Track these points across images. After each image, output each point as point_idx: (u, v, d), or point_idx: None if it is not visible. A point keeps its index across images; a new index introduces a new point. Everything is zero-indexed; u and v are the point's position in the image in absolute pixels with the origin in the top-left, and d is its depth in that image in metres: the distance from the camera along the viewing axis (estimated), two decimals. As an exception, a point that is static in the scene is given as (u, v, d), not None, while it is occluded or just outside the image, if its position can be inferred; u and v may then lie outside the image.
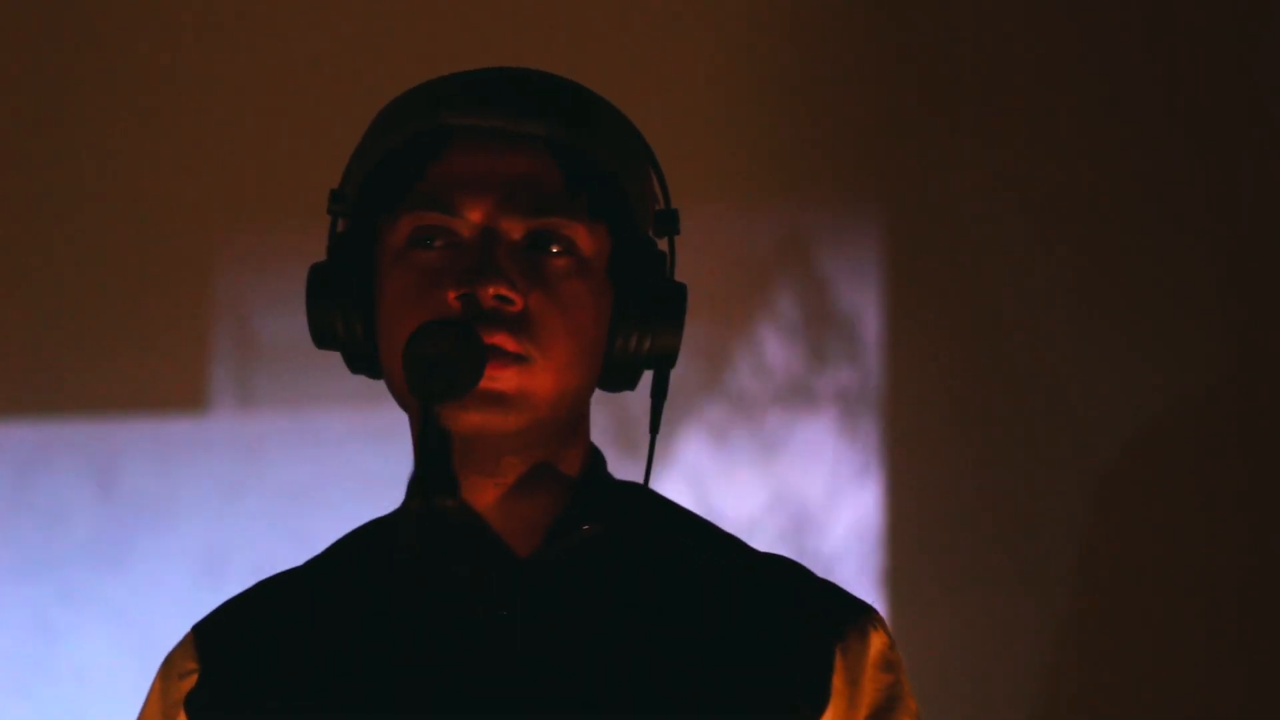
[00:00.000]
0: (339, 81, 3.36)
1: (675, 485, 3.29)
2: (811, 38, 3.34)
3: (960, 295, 3.31)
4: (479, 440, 1.86)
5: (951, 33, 3.33)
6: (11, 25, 3.46)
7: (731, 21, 3.35)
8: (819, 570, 1.98)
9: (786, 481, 3.30)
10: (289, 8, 3.43)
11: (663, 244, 1.97)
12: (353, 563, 1.98)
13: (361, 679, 1.88)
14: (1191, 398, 3.27)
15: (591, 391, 1.93)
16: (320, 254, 1.95)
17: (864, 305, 3.32)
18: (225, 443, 3.39)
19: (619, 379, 1.94)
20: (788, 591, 1.94)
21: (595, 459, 1.98)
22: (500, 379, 1.84)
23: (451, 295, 1.84)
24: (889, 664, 1.94)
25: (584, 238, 1.88)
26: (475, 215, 1.86)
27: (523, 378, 1.85)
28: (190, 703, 1.94)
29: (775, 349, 3.33)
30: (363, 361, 1.93)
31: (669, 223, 1.97)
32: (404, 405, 1.91)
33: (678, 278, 1.96)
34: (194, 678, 1.95)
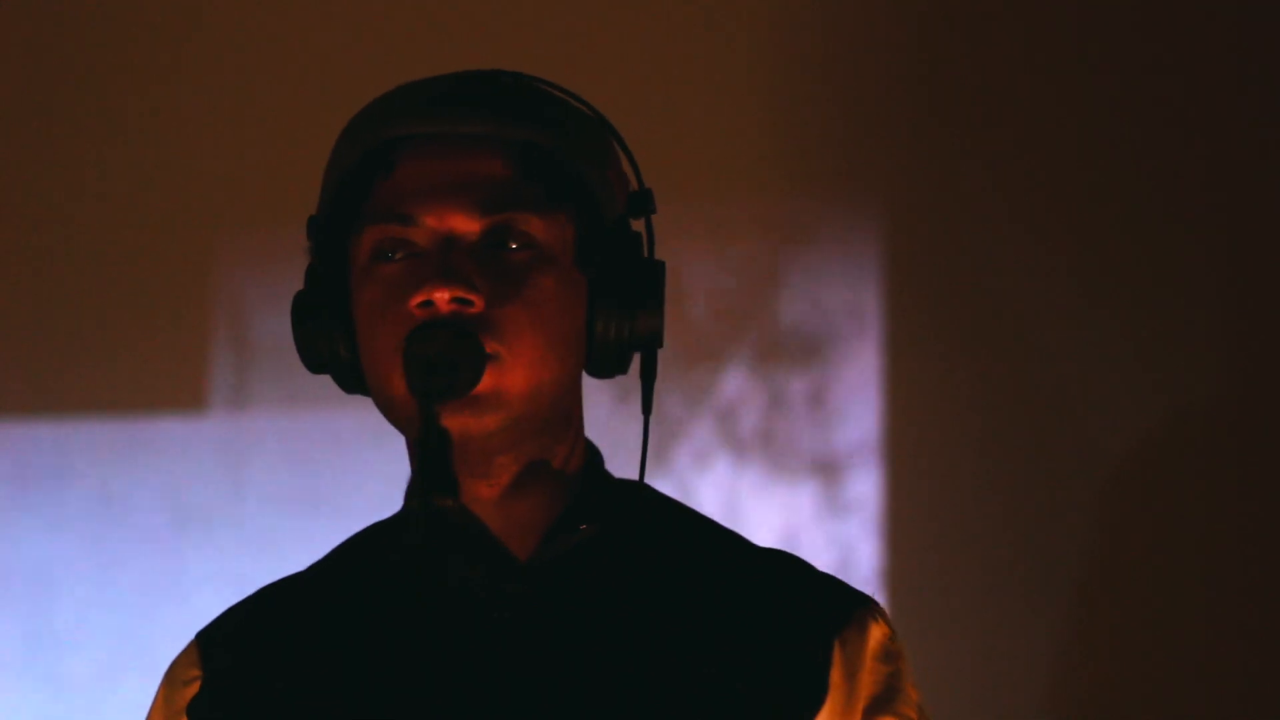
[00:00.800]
0: (339, 82, 3.36)
1: (675, 478, 3.29)
2: (811, 37, 3.34)
3: (961, 295, 3.30)
4: (464, 444, 1.85)
5: (952, 32, 3.32)
6: (12, 26, 3.46)
7: (731, 21, 3.35)
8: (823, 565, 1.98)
9: (786, 481, 3.30)
10: (289, 8, 3.43)
11: (638, 225, 1.96)
12: (354, 567, 1.98)
13: (363, 683, 1.88)
14: (1194, 399, 3.27)
15: (574, 381, 1.93)
16: (316, 254, 1.96)
17: (864, 305, 3.32)
18: (224, 443, 3.39)
19: (606, 364, 1.93)
20: (787, 586, 1.95)
21: (592, 455, 1.98)
22: None
23: (413, 304, 1.85)
24: (889, 654, 1.94)
25: (541, 229, 1.88)
26: (430, 221, 1.87)
27: (494, 376, 1.85)
28: (192, 709, 1.95)
29: (775, 349, 3.33)
30: (354, 381, 1.94)
31: (643, 203, 1.96)
32: (392, 419, 1.91)
33: (659, 255, 1.96)
34: (196, 684, 1.96)
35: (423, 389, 1.81)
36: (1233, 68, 3.28)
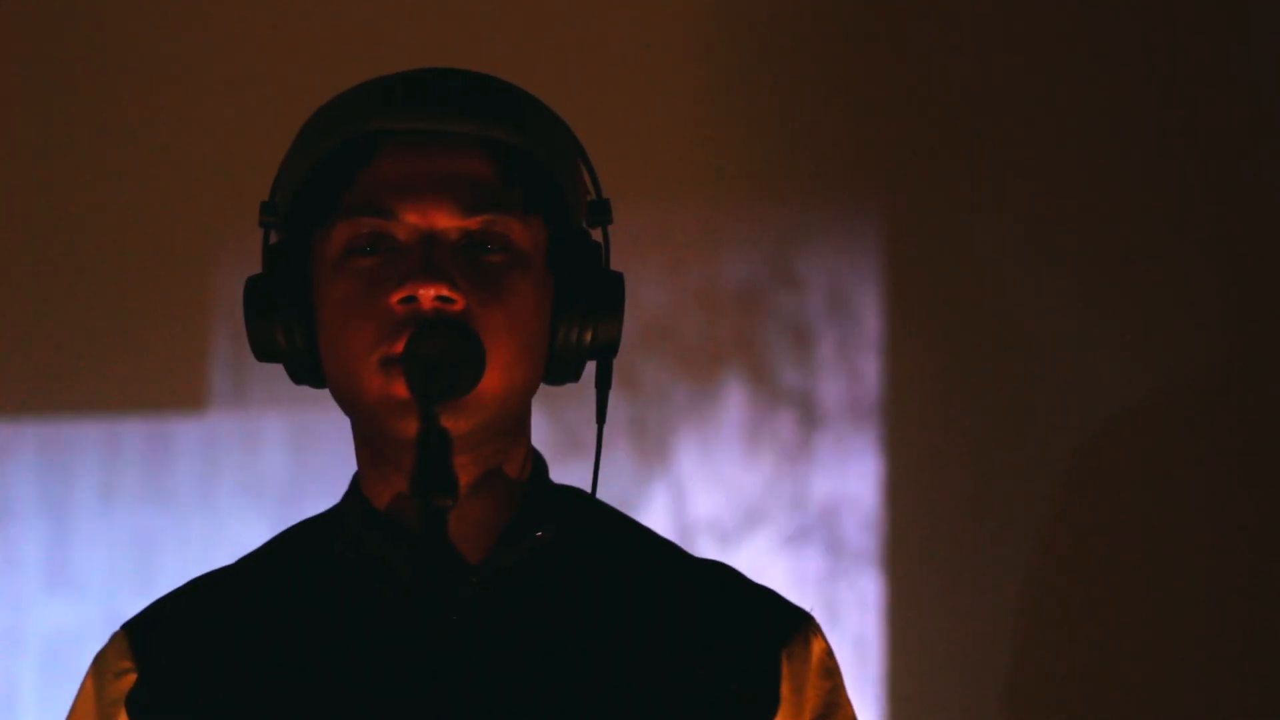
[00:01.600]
0: (339, 82, 3.36)
1: (675, 487, 3.29)
2: (811, 38, 3.34)
3: (960, 294, 3.30)
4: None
5: (951, 32, 3.32)
6: (12, 26, 3.46)
7: (730, 22, 3.35)
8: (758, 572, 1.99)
9: (786, 481, 3.30)
10: (289, 9, 3.43)
11: (596, 235, 1.96)
12: (294, 563, 1.97)
13: (311, 682, 1.87)
14: (1187, 392, 3.27)
15: (536, 388, 1.93)
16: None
17: (864, 305, 3.31)
18: (224, 442, 3.39)
19: (563, 372, 1.93)
20: (729, 598, 1.95)
21: (538, 463, 1.97)
22: None
23: (394, 299, 1.83)
24: (828, 670, 1.94)
25: (520, 233, 1.88)
26: (411, 218, 1.86)
27: None
28: (132, 702, 1.92)
29: (774, 349, 3.33)
30: (306, 372, 1.92)
31: (602, 213, 1.96)
32: (351, 411, 1.90)
33: (616, 266, 1.96)
34: (132, 677, 1.93)
35: (422, 389, 1.79)
36: (1230, 67, 3.28)
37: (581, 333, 1.91)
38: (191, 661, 1.92)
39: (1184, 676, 3.24)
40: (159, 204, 3.43)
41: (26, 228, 3.46)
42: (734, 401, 3.32)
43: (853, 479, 3.30)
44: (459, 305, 1.84)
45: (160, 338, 3.42)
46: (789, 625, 1.94)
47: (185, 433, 3.40)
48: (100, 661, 1.97)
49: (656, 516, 3.25)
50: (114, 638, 1.97)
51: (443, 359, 1.81)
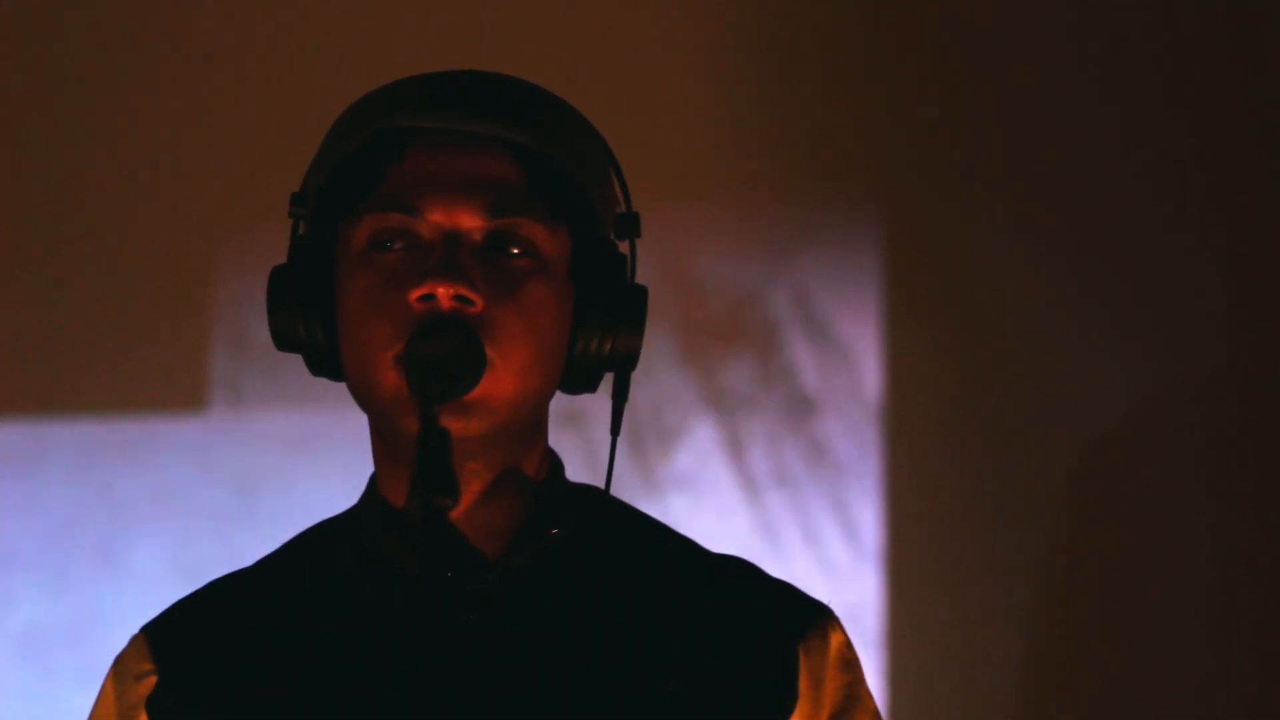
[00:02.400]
0: (339, 82, 3.36)
1: (677, 486, 3.29)
2: (811, 38, 3.34)
3: (960, 294, 3.30)
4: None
5: (950, 32, 3.32)
6: (12, 26, 3.46)
7: (729, 22, 3.35)
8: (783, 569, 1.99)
9: (785, 483, 3.30)
10: (289, 9, 3.43)
11: (623, 246, 1.96)
12: (312, 564, 1.97)
13: (329, 682, 1.87)
14: (1188, 392, 3.27)
15: (552, 394, 1.92)
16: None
17: (864, 305, 3.32)
18: (224, 442, 3.39)
19: (580, 381, 1.92)
20: (746, 592, 1.94)
21: (554, 462, 1.97)
22: None
23: (413, 296, 1.83)
24: (847, 663, 1.94)
25: (544, 239, 1.87)
26: (435, 216, 1.85)
27: (485, 382, 1.83)
28: (152, 705, 1.92)
29: (775, 349, 3.33)
30: (325, 364, 1.92)
31: (630, 225, 1.95)
32: (366, 407, 1.90)
33: (641, 279, 1.95)
34: (152, 679, 1.94)
35: (422, 390, 1.79)
36: (1229, 66, 3.29)
37: (600, 343, 1.90)
38: (211, 663, 1.92)
39: (1189, 676, 3.24)
40: (159, 204, 3.43)
41: (27, 228, 3.46)
42: (734, 401, 3.32)
43: (853, 479, 3.30)
44: (478, 307, 1.83)
45: (160, 338, 3.42)
46: (806, 619, 1.93)
47: (185, 433, 3.40)
48: (120, 664, 1.97)
49: (659, 506, 3.25)
50: (133, 640, 1.97)
51: (442, 359, 1.80)
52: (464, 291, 1.83)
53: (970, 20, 3.32)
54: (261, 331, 3.52)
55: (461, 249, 1.85)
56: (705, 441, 3.31)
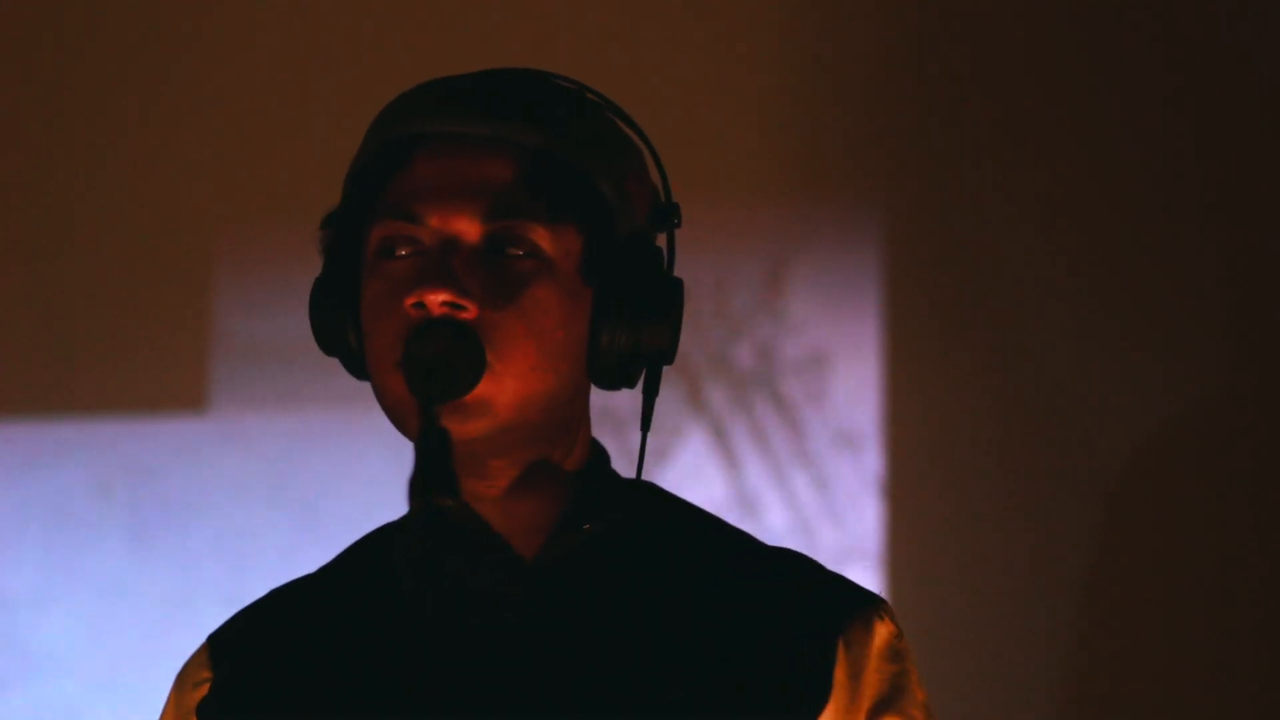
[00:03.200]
0: (339, 82, 3.36)
1: (673, 486, 3.29)
2: (812, 39, 3.34)
3: (960, 294, 3.30)
4: (456, 447, 1.83)
5: (953, 33, 3.32)
6: (12, 26, 3.46)
7: (732, 24, 3.35)
8: (830, 562, 1.98)
9: (783, 483, 3.30)
10: (289, 9, 3.43)
11: (662, 239, 1.95)
12: (362, 569, 1.98)
13: (370, 686, 1.88)
14: (1197, 398, 3.26)
15: (575, 392, 1.91)
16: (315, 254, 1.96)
17: (864, 305, 3.31)
18: (225, 443, 3.39)
19: (608, 377, 1.91)
20: (794, 585, 1.93)
21: (596, 456, 1.97)
22: None
23: (407, 303, 1.84)
24: (895, 654, 1.93)
25: (545, 238, 1.87)
26: (434, 222, 1.86)
27: (483, 384, 1.83)
28: (202, 711, 1.95)
29: (774, 349, 3.33)
30: (362, 369, 1.93)
31: (666, 217, 1.95)
32: (390, 413, 1.90)
33: (679, 272, 1.95)
34: (206, 687, 1.96)
35: (422, 390, 1.79)
36: (1233, 67, 3.28)
37: (618, 339, 1.89)
38: (261, 669, 1.93)
39: (1198, 686, 3.24)
40: (159, 204, 3.43)
41: (27, 228, 3.46)
42: (733, 400, 3.32)
43: (853, 479, 3.30)
44: (470, 312, 1.83)
45: (160, 338, 3.42)
46: (850, 610, 1.92)
47: (185, 433, 3.40)
48: (183, 674, 1.99)
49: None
50: (199, 649, 1.99)
51: (440, 359, 1.81)
52: (453, 298, 1.83)
53: (973, 20, 3.32)
54: (262, 331, 3.53)
55: (457, 254, 1.85)
56: (698, 442, 3.31)
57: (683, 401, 3.31)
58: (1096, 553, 3.27)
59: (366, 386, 1.95)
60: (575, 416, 1.94)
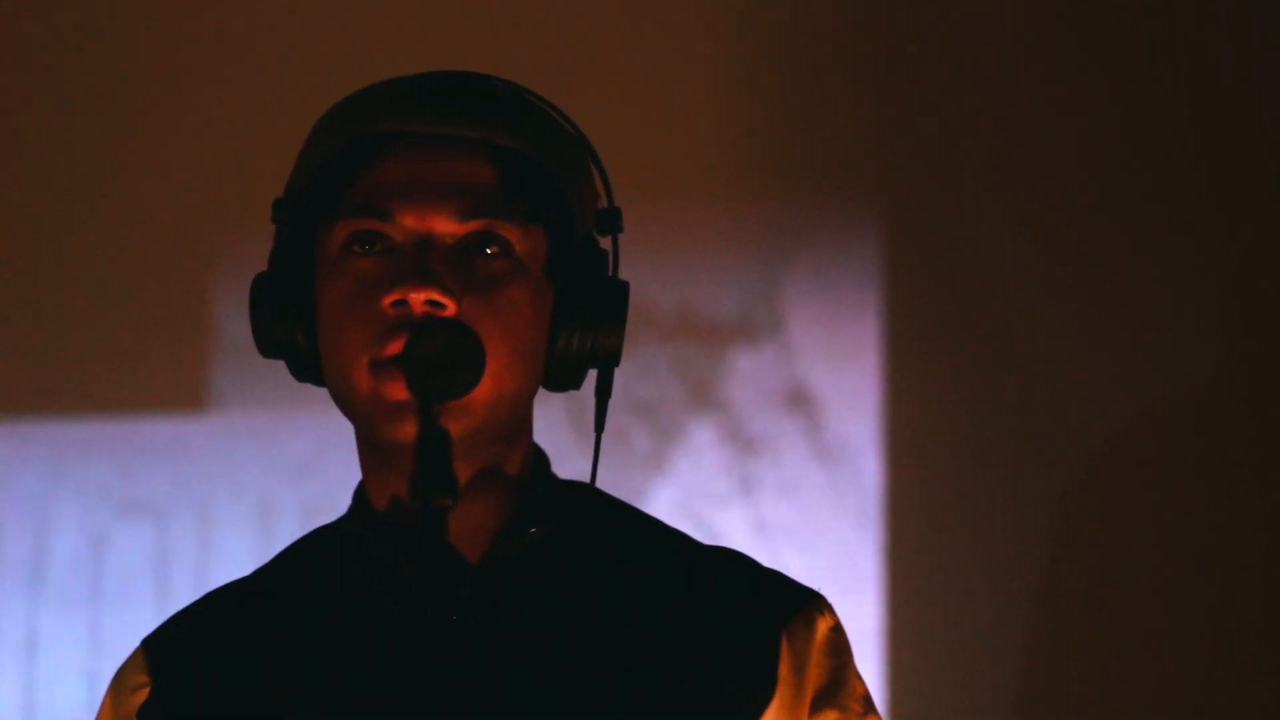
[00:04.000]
0: (340, 82, 3.36)
1: (672, 485, 3.29)
2: (811, 37, 3.34)
3: (960, 294, 3.31)
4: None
5: (951, 32, 3.33)
6: (12, 26, 3.46)
7: (730, 21, 3.35)
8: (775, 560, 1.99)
9: (783, 483, 3.30)
10: (289, 9, 3.43)
11: (606, 243, 1.96)
12: (304, 572, 1.97)
13: (314, 688, 1.88)
14: (1190, 391, 3.27)
15: (533, 393, 1.92)
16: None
17: (864, 305, 3.32)
18: (225, 442, 3.39)
19: (562, 379, 1.93)
20: (734, 583, 1.94)
21: (539, 460, 1.97)
22: None
23: (385, 302, 1.83)
24: (835, 648, 1.94)
25: (520, 239, 1.87)
26: (409, 220, 1.85)
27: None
28: (143, 715, 1.93)
29: (774, 349, 3.33)
30: (307, 369, 1.92)
31: (612, 221, 1.95)
32: (346, 412, 1.90)
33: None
34: (145, 691, 1.94)
35: (422, 389, 1.79)
36: (1233, 64, 3.29)
37: (580, 340, 1.90)
38: (201, 674, 1.93)
39: (1193, 679, 3.24)
40: (160, 204, 3.43)
41: (27, 228, 3.46)
42: (733, 400, 3.32)
43: (853, 479, 3.30)
44: (450, 311, 1.83)
45: (160, 338, 3.42)
46: (791, 605, 1.93)
47: (185, 433, 3.40)
48: (119, 678, 1.98)
49: (660, 507, 3.25)
50: (133, 654, 1.98)
51: (442, 359, 1.81)
52: (436, 296, 1.83)
53: (972, 19, 3.32)
54: (262, 332, 3.51)
55: (434, 253, 1.85)
56: (702, 442, 3.31)
57: (683, 401, 3.31)
58: (1093, 550, 3.27)
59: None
60: (526, 418, 1.94)
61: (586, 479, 1.98)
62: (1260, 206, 3.27)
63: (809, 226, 3.33)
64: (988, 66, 3.32)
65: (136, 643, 1.99)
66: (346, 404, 1.88)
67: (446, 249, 1.85)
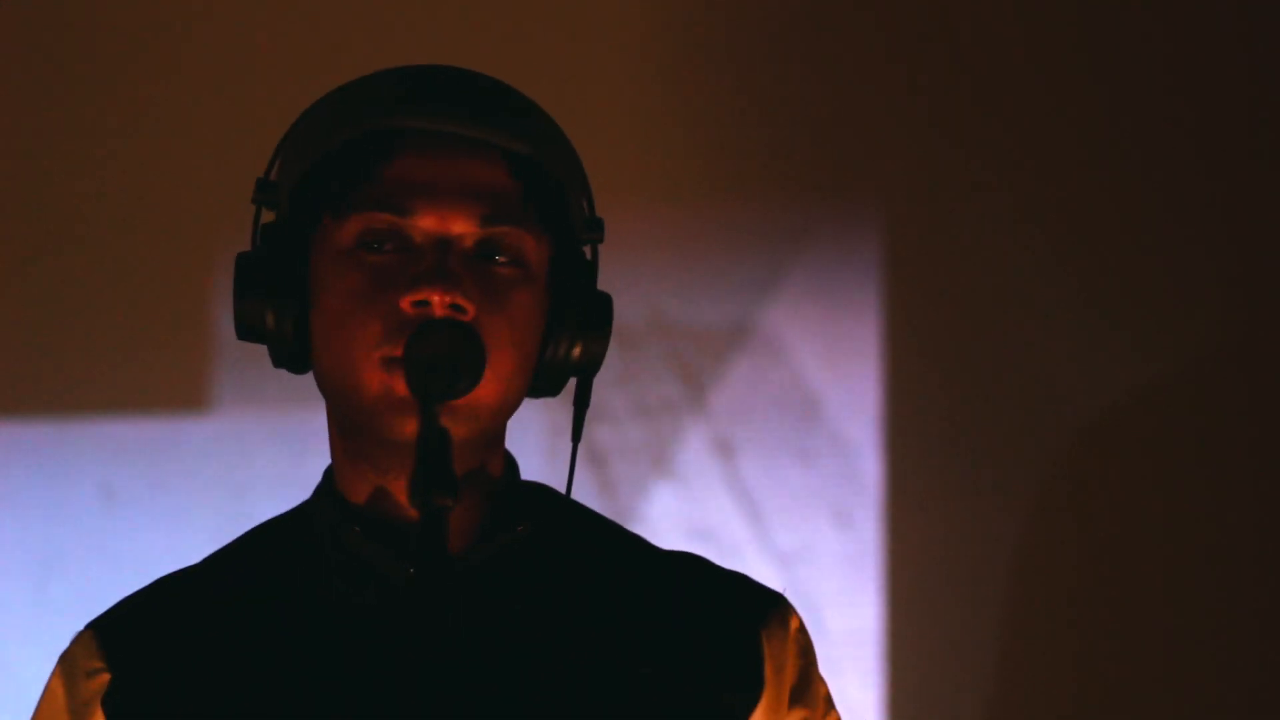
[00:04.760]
0: (340, 80, 3.36)
1: (670, 488, 3.29)
2: (811, 37, 3.34)
3: (960, 293, 3.31)
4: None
5: (951, 32, 3.33)
6: (12, 26, 3.46)
7: (729, 21, 3.35)
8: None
9: (782, 484, 3.30)
10: (289, 8, 3.43)
11: (588, 252, 1.97)
12: (266, 563, 1.97)
13: (294, 680, 1.87)
14: (1189, 387, 3.27)
15: (521, 399, 1.93)
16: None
17: (864, 305, 3.32)
18: (226, 443, 3.39)
19: (545, 386, 1.94)
20: (702, 584, 1.97)
21: (510, 462, 1.98)
22: None
23: (406, 301, 1.83)
24: (803, 648, 1.97)
25: (531, 248, 1.88)
26: (428, 221, 1.85)
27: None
28: (109, 704, 1.91)
29: (774, 349, 3.33)
30: (288, 357, 1.91)
31: (596, 231, 1.96)
32: (345, 406, 1.89)
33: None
34: (104, 676, 1.92)
35: (423, 388, 1.79)
36: (1229, 62, 3.29)
37: (570, 349, 1.91)
38: (169, 664, 1.91)
39: (1187, 672, 3.24)
40: (159, 204, 3.43)
41: (27, 227, 3.46)
42: (733, 399, 3.32)
43: (853, 479, 3.30)
44: (469, 315, 1.84)
45: (160, 338, 3.42)
46: (764, 607, 1.96)
47: (185, 433, 3.40)
48: (68, 662, 1.95)
49: (661, 509, 3.25)
50: (80, 637, 1.96)
51: (444, 358, 1.80)
52: (459, 300, 1.83)
53: (971, 19, 3.32)
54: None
55: (453, 255, 1.85)
56: (698, 443, 3.31)
57: (683, 401, 3.31)
58: (1099, 552, 3.27)
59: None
60: (506, 423, 1.95)
61: (539, 480, 1.99)
62: (1258, 201, 3.27)
63: (809, 227, 3.33)
64: (988, 66, 3.32)
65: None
66: (346, 396, 1.88)
67: (464, 252, 1.85)
